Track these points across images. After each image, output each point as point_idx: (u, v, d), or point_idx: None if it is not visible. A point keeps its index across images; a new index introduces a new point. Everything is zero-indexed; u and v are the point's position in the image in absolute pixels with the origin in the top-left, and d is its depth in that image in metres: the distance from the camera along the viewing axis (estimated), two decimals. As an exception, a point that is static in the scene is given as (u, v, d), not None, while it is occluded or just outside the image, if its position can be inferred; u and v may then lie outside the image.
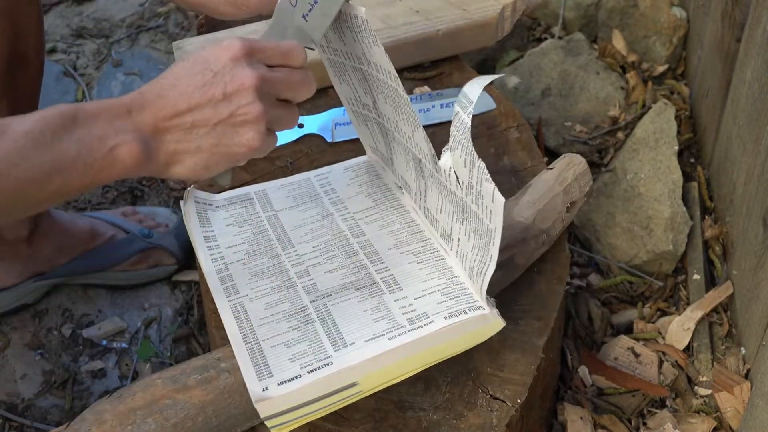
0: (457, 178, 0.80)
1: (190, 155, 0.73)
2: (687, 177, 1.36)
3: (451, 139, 0.80)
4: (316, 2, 0.82)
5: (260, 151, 0.75)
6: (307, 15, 0.83)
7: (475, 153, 0.76)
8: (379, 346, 0.79)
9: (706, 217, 1.32)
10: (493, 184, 0.75)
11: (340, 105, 1.17)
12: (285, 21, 0.82)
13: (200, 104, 0.72)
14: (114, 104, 0.71)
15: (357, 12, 0.83)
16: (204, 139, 0.73)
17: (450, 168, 0.82)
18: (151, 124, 0.71)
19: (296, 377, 0.77)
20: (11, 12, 1.03)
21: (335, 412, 0.79)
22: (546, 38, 1.67)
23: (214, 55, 0.73)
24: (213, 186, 1.06)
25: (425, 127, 1.14)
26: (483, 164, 0.75)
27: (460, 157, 0.78)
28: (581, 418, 1.07)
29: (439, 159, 0.83)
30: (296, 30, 0.83)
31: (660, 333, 1.20)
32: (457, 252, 0.87)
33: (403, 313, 0.82)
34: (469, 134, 0.77)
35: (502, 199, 0.74)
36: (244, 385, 0.77)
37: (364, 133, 1.02)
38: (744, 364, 1.13)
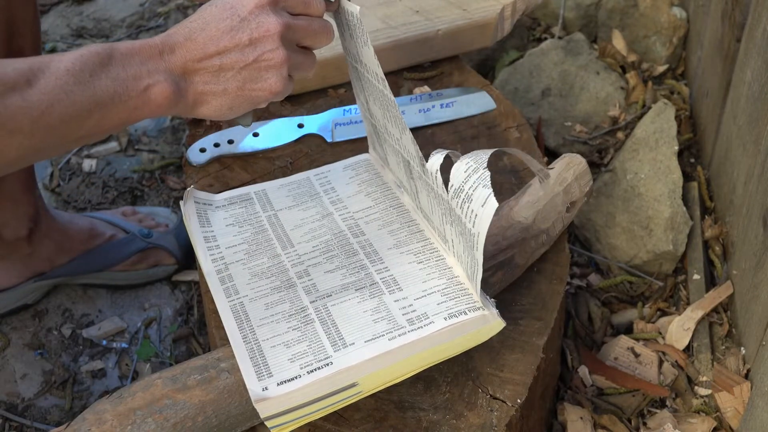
0: (446, 181, 0.80)
1: (216, 96, 0.77)
2: (687, 177, 1.36)
3: (471, 153, 0.80)
4: None
5: (281, 94, 0.79)
6: None
7: (486, 164, 0.77)
8: (379, 346, 0.79)
9: (706, 217, 1.32)
10: (491, 190, 0.75)
11: (340, 105, 1.17)
12: None
13: (228, 48, 0.75)
14: (146, 45, 0.74)
15: (352, 9, 0.83)
16: (230, 81, 0.76)
17: (436, 171, 0.82)
18: (180, 65, 0.75)
19: (296, 377, 0.77)
20: (7, 10, 1.03)
21: (335, 412, 0.79)
22: (546, 38, 1.67)
23: (241, 1, 0.76)
24: (213, 186, 1.06)
25: (425, 127, 1.15)
26: (488, 173, 0.76)
27: (465, 164, 0.78)
28: (581, 418, 1.07)
29: (427, 161, 0.83)
30: None
31: (660, 333, 1.20)
32: (454, 252, 0.87)
33: (403, 314, 0.82)
34: (490, 152, 0.79)
35: (495, 205, 0.74)
36: (244, 385, 0.78)
37: (369, 129, 1.02)
38: (744, 364, 1.13)
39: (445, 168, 0.83)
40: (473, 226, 0.77)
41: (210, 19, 0.76)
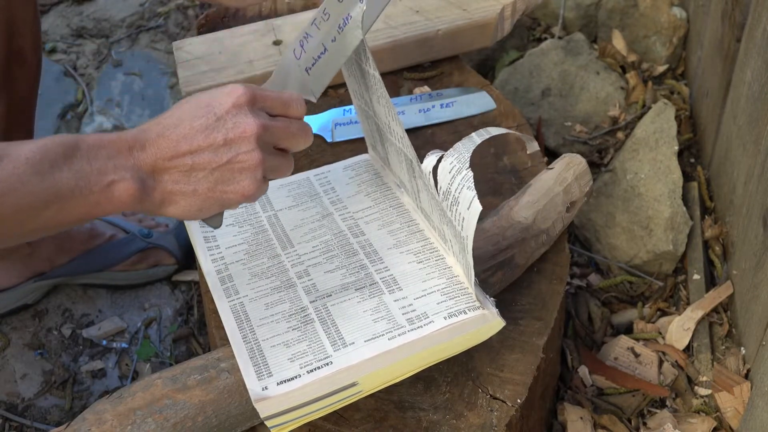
0: (436, 182, 0.81)
1: (185, 196, 0.74)
2: (687, 177, 1.36)
3: (452, 149, 0.80)
4: (319, 57, 0.84)
5: (253, 198, 0.76)
6: (310, 69, 0.84)
7: (468, 163, 0.77)
8: (379, 346, 0.79)
9: (706, 217, 1.32)
10: (475, 192, 0.75)
11: (340, 105, 1.17)
12: (288, 72, 0.85)
13: (201, 147, 0.72)
14: (116, 139, 0.71)
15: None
16: (201, 182, 0.73)
17: (429, 172, 0.82)
18: (150, 163, 0.72)
19: (296, 377, 0.77)
20: (7, 10, 1.03)
21: (335, 412, 0.79)
22: (546, 38, 1.67)
23: (218, 99, 0.74)
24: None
25: (425, 127, 1.15)
26: (470, 173, 0.76)
27: (449, 163, 0.79)
28: (581, 418, 1.07)
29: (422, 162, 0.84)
30: (298, 82, 0.84)
31: (660, 333, 1.20)
32: (453, 252, 0.87)
33: (403, 314, 0.82)
34: (473, 148, 0.78)
35: (479, 208, 0.75)
36: (244, 385, 0.78)
37: (366, 130, 1.02)
38: (744, 364, 1.13)
39: None
40: (462, 230, 0.77)
41: (185, 116, 0.73)
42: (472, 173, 0.77)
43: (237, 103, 0.73)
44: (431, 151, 0.84)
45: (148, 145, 0.72)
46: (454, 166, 0.78)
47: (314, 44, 0.85)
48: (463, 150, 0.79)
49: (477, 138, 0.81)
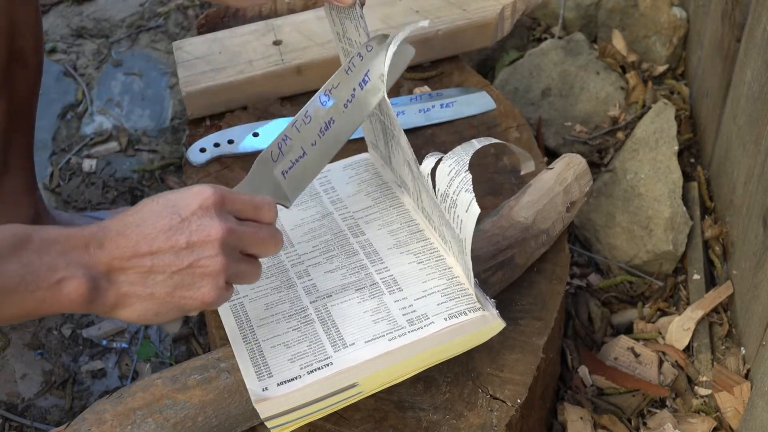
0: (434, 184, 0.81)
1: (141, 300, 0.70)
2: (687, 177, 1.36)
3: (451, 152, 0.80)
4: (297, 161, 0.82)
5: (214, 305, 0.73)
6: (287, 172, 0.82)
7: (468, 166, 0.77)
8: (379, 347, 0.79)
9: (706, 217, 1.32)
10: (473, 195, 0.75)
11: (340, 105, 1.17)
12: (263, 174, 0.82)
13: (162, 249, 0.69)
14: (72, 235, 0.68)
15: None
16: (159, 285, 0.70)
17: (427, 174, 0.82)
18: (106, 262, 0.68)
19: (296, 377, 0.77)
20: (9, 11, 1.03)
21: (335, 412, 0.79)
22: (546, 38, 1.67)
23: (184, 199, 0.71)
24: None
25: (425, 127, 1.15)
26: (469, 176, 0.76)
27: (448, 165, 0.79)
28: (581, 418, 1.07)
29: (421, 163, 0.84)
30: (273, 185, 0.82)
31: (660, 333, 1.20)
32: (453, 253, 0.87)
33: (403, 314, 0.82)
34: (472, 152, 0.79)
35: (478, 211, 0.75)
36: (244, 385, 0.78)
37: (367, 129, 1.02)
38: (744, 364, 1.13)
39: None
40: (460, 232, 0.77)
41: (148, 215, 0.70)
42: (471, 176, 0.77)
43: (204, 205, 0.70)
44: (430, 153, 0.84)
45: (106, 242, 0.68)
46: (453, 168, 0.78)
47: (293, 147, 0.82)
48: (462, 153, 0.79)
49: (477, 144, 0.81)
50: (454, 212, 0.78)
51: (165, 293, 0.70)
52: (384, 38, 0.86)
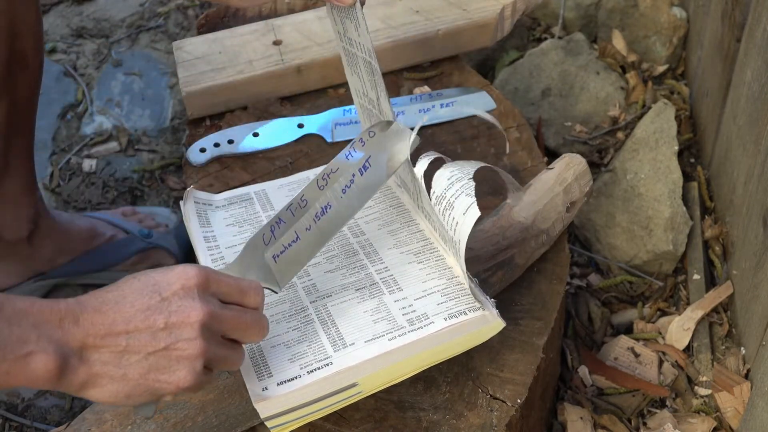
0: (429, 187, 0.81)
1: (112, 381, 0.67)
2: (687, 177, 1.36)
3: (455, 162, 0.80)
4: (290, 246, 0.79)
5: (191, 390, 0.70)
6: (278, 257, 0.79)
7: (471, 175, 0.77)
8: (379, 346, 0.79)
9: (706, 217, 1.32)
10: (474, 200, 0.75)
11: (340, 105, 1.17)
12: (253, 256, 0.79)
13: (138, 329, 0.66)
14: (47, 307, 0.65)
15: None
16: (133, 366, 0.67)
17: (420, 177, 0.83)
18: (80, 338, 0.65)
19: (296, 377, 0.77)
20: (10, 12, 1.03)
21: (335, 412, 0.79)
22: (546, 38, 1.67)
23: (167, 278, 0.68)
24: (213, 186, 1.06)
25: (425, 127, 1.15)
26: (472, 183, 0.76)
27: (450, 171, 0.79)
28: (581, 418, 1.07)
29: (414, 165, 0.84)
30: (262, 268, 0.79)
31: (660, 333, 1.20)
32: (452, 253, 0.87)
33: (403, 314, 0.82)
34: (477, 166, 0.79)
35: (477, 214, 0.75)
36: (244, 385, 0.77)
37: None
38: (744, 364, 1.13)
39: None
40: (454, 234, 0.77)
41: (128, 292, 0.67)
42: (474, 184, 0.77)
43: (186, 286, 0.68)
44: (424, 154, 0.84)
45: (81, 318, 0.65)
46: (455, 174, 0.78)
47: (286, 231, 0.79)
48: (467, 165, 0.79)
49: (480, 164, 0.82)
50: (450, 214, 0.78)
51: (138, 375, 0.67)
52: (387, 125, 0.84)
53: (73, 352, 0.65)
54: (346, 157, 0.83)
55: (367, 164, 0.82)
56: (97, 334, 0.66)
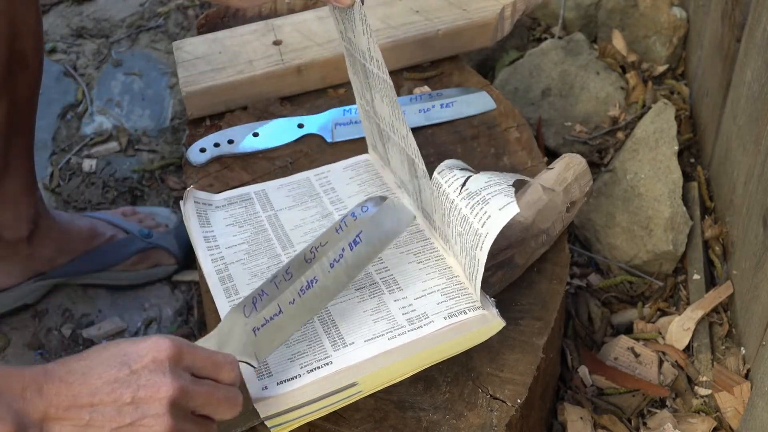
0: (464, 183, 0.80)
1: None
2: (687, 177, 1.36)
3: (490, 172, 0.80)
4: (271, 319, 0.77)
5: None
6: (258, 330, 0.76)
7: (510, 183, 0.77)
8: (379, 346, 0.79)
9: (706, 217, 1.32)
10: (514, 200, 0.75)
11: (340, 105, 1.17)
12: (234, 327, 0.76)
13: (103, 402, 0.64)
14: (11, 375, 0.63)
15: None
16: None
17: (441, 172, 0.82)
18: (42, 409, 0.63)
19: (296, 377, 0.77)
20: (9, 12, 1.03)
21: (335, 412, 0.79)
22: (546, 38, 1.67)
23: (137, 350, 0.66)
24: (213, 186, 1.06)
25: (425, 127, 1.15)
26: (513, 189, 0.76)
27: (488, 177, 0.79)
28: (581, 418, 1.07)
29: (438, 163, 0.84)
30: (241, 342, 0.76)
31: (660, 333, 1.20)
32: (453, 253, 0.87)
33: (402, 314, 0.82)
34: (513, 179, 0.79)
35: (516, 211, 0.74)
36: (244, 385, 0.77)
37: (367, 130, 1.02)
38: (744, 364, 1.13)
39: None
40: (482, 226, 0.77)
41: (96, 363, 0.65)
42: (514, 189, 0.77)
43: (157, 359, 0.65)
44: (449, 161, 0.84)
45: (45, 388, 0.63)
46: (492, 179, 0.78)
47: (269, 304, 0.77)
48: (503, 176, 0.80)
49: (518, 175, 0.82)
50: (482, 208, 0.77)
51: None
52: (381, 200, 0.82)
53: (33, 424, 0.63)
54: (337, 231, 0.80)
55: (357, 239, 0.80)
56: (60, 406, 0.63)
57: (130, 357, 0.65)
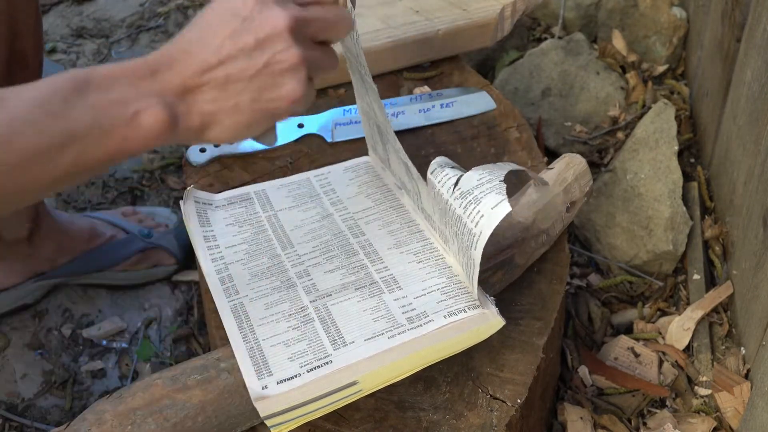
0: (456, 182, 0.80)
1: (228, 115, 0.66)
2: (687, 177, 1.36)
3: (481, 166, 0.80)
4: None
5: (303, 102, 0.68)
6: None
7: (503, 178, 0.77)
8: (379, 344, 0.79)
9: (706, 217, 1.32)
10: (505, 197, 0.75)
11: (340, 105, 1.17)
12: None
13: (232, 55, 0.64)
14: (135, 66, 0.64)
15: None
16: (242, 94, 0.65)
17: (432, 171, 0.82)
18: (179, 84, 0.64)
19: (296, 376, 0.77)
20: (9, 12, 1.03)
21: (335, 412, 0.79)
22: (546, 38, 1.67)
23: None
24: (213, 186, 1.06)
25: (425, 127, 1.15)
26: (504, 185, 0.76)
27: (479, 174, 0.79)
28: (581, 418, 1.07)
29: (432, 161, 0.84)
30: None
31: (660, 333, 1.20)
32: (453, 252, 0.87)
33: (402, 312, 0.82)
34: (508, 169, 0.79)
35: (508, 209, 0.74)
36: (244, 385, 0.78)
37: (367, 131, 1.02)
38: (744, 364, 1.13)
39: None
40: (475, 226, 0.77)
41: (207, 24, 0.65)
42: (505, 185, 0.77)
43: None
44: (439, 159, 0.84)
45: (172, 64, 0.64)
46: (484, 176, 0.78)
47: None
48: (495, 168, 0.80)
49: (510, 166, 0.82)
50: (474, 208, 0.77)
51: (250, 100, 0.66)
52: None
53: (177, 101, 0.64)
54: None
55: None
56: (194, 74, 0.64)
57: (237, 7, 0.65)
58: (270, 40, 0.65)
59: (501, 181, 0.77)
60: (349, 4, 0.83)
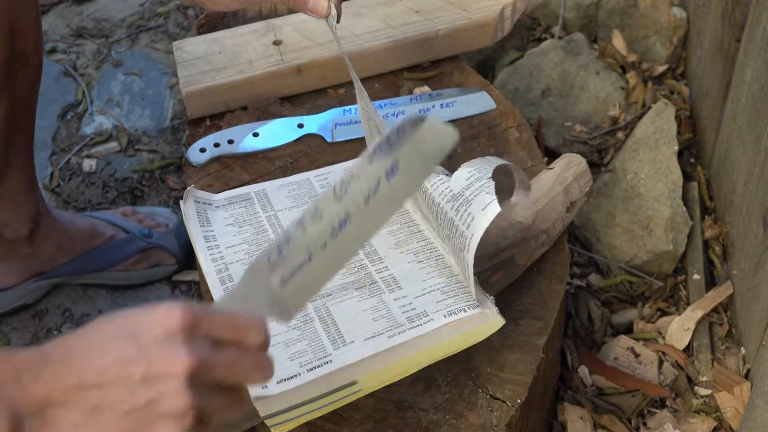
0: (447, 184, 0.81)
1: None
2: (687, 177, 1.36)
3: (469, 162, 0.80)
4: (300, 268, 0.64)
5: None
6: (287, 281, 0.63)
7: (490, 174, 0.77)
8: (379, 344, 0.79)
9: (706, 217, 1.32)
10: (494, 197, 0.75)
11: (340, 105, 1.17)
12: (255, 284, 0.65)
13: (112, 382, 0.55)
14: (2, 359, 0.56)
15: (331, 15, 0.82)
16: (108, 427, 0.56)
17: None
18: (42, 394, 0.55)
19: (296, 375, 0.77)
20: (9, 11, 1.03)
21: (335, 411, 0.79)
22: (546, 38, 1.67)
23: (146, 321, 0.57)
24: (213, 186, 1.06)
25: (425, 127, 1.15)
26: (492, 182, 0.76)
27: (467, 172, 0.79)
28: (581, 418, 1.07)
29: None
30: (267, 298, 0.64)
31: (660, 333, 1.20)
32: (451, 252, 0.87)
33: (402, 312, 0.82)
34: (495, 164, 0.79)
35: (497, 210, 0.74)
36: (245, 386, 0.77)
37: (367, 131, 1.02)
38: (744, 364, 1.13)
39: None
40: (467, 228, 0.77)
41: (99, 339, 0.56)
42: (494, 182, 0.76)
43: (169, 329, 0.56)
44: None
45: (43, 372, 0.55)
46: (473, 174, 0.78)
47: (296, 249, 0.63)
48: (484, 163, 0.79)
49: (495, 160, 0.81)
50: (465, 210, 0.77)
51: None
52: (420, 121, 0.65)
53: (32, 414, 0.55)
54: (370, 162, 0.65)
55: (394, 168, 0.64)
56: (63, 388, 0.55)
57: (138, 329, 0.56)
58: (160, 379, 0.56)
59: (489, 178, 0.77)
60: (333, 21, 0.83)
